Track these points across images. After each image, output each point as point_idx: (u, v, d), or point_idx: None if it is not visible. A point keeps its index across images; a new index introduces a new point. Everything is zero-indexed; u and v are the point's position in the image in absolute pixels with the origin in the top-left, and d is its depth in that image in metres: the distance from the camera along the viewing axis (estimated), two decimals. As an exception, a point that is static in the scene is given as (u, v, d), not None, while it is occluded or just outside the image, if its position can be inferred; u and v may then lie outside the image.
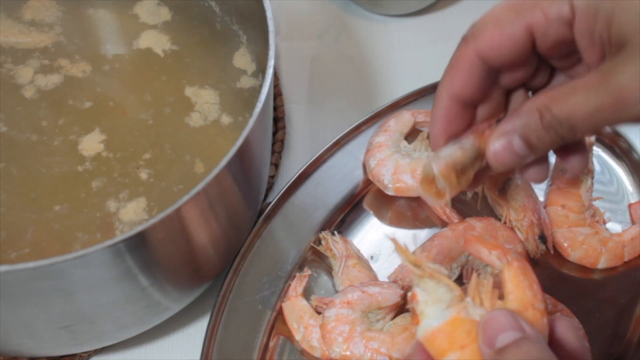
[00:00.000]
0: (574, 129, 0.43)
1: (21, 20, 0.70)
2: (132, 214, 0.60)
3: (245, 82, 0.66)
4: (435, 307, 0.40)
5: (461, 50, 0.48)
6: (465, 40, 0.48)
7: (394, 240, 0.42)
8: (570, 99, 0.43)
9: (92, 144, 0.63)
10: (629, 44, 0.41)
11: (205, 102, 0.65)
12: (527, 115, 0.45)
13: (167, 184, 0.61)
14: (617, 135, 0.71)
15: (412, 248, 0.66)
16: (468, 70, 0.48)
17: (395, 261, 0.66)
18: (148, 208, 0.60)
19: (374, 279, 0.64)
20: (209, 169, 0.60)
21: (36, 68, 0.67)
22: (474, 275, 0.43)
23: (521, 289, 0.41)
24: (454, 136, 0.50)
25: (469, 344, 0.39)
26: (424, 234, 0.68)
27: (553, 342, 0.42)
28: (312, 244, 0.67)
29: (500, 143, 0.46)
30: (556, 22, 0.45)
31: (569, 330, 0.42)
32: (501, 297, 0.42)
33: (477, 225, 0.65)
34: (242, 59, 0.68)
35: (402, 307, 0.62)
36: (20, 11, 0.70)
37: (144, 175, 0.61)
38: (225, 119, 0.64)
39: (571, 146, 0.50)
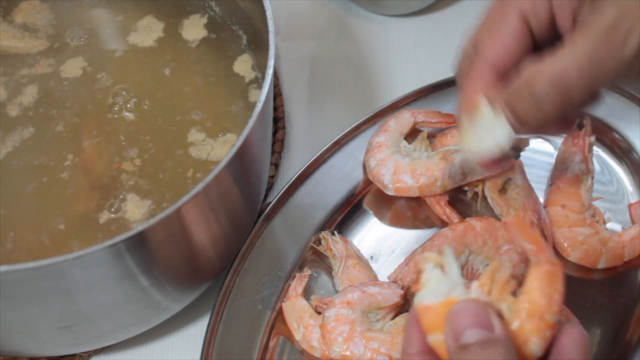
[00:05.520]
0: (571, 91, 0.42)
1: (14, 24, 0.69)
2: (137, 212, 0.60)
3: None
4: (438, 282, 0.39)
5: (472, 68, 0.48)
6: (467, 54, 0.48)
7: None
8: (559, 57, 0.42)
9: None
10: None
11: (210, 144, 0.64)
12: (515, 86, 0.45)
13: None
14: (617, 135, 0.71)
15: (412, 248, 0.66)
16: (484, 81, 0.47)
17: (395, 261, 0.66)
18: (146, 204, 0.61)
19: (374, 279, 0.64)
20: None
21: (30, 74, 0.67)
22: (495, 262, 0.41)
23: (538, 294, 0.40)
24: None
25: None
26: (424, 234, 0.68)
27: (555, 351, 0.40)
28: (312, 244, 0.67)
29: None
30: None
31: (576, 343, 0.40)
32: (514, 293, 0.40)
33: (477, 225, 0.65)
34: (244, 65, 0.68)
35: (402, 307, 0.62)
36: (12, 15, 0.70)
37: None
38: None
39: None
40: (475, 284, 0.40)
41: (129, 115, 0.65)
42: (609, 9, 0.41)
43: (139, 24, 0.70)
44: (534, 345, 0.39)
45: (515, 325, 0.39)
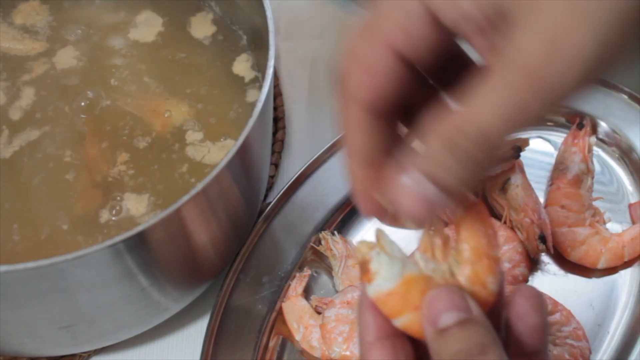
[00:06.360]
0: (492, 140, 0.33)
1: (14, 26, 0.69)
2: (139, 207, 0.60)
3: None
4: (389, 265, 0.38)
5: (343, 108, 0.38)
6: (338, 91, 0.38)
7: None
8: (473, 106, 0.33)
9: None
10: (513, 8, 0.33)
11: (208, 146, 0.64)
12: (429, 149, 0.35)
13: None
14: (617, 135, 0.71)
15: (412, 248, 0.66)
16: (364, 129, 0.38)
17: (395, 261, 0.66)
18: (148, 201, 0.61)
19: (374, 279, 0.64)
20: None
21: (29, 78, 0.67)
22: (426, 227, 0.40)
23: (476, 238, 0.39)
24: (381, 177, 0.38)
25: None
26: (424, 234, 0.68)
27: (511, 314, 0.40)
28: (312, 244, 0.67)
29: (404, 191, 0.36)
30: (419, 29, 0.36)
31: (532, 304, 0.39)
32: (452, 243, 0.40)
33: (477, 225, 0.65)
34: (242, 65, 0.68)
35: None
36: (12, 16, 0.70)
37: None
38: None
39: None
40: (417, 253, 0.39)
41: (128, 113, 0.65)
42: (533, 37, 0.32)
43: (138, 18, 0.70)
44: (492, 285, 0.39)
45: (468, 272, 0.39)
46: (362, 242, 0.39)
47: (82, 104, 0.65)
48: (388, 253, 0.39)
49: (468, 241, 0.39)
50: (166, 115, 0.65)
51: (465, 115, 0.34)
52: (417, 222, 0.38)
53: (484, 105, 0.33)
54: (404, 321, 0.38)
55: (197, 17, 0.70)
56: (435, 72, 0.39)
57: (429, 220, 0.38)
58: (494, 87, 0.33)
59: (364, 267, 0.39)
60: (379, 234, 0.39)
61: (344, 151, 0.39)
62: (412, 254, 0.39)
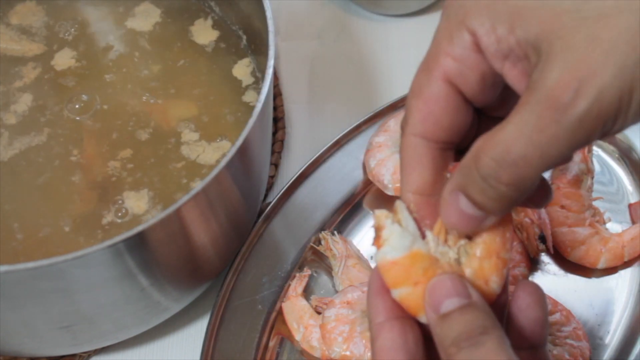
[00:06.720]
0: (518, 168, 0.35)
1: (11, 27, 0.69)
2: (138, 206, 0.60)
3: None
4: (400, 236, 0.39)
5: (403, 141, 0.40)
6: (402, 128, 0.40)
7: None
8: (503, 130, 0.35)
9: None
10: (543, 42, 0.35)
11: (202, 145, 0.64)
12: (463, 166, 0.37)
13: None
14: (617, 135, 0.71)
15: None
16: (419, 158, 0.40)
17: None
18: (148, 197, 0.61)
19: (374, 279, 0.64)
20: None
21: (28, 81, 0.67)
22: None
23: (493, 235, 0.40)
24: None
25: (423, 281, 0.39)
26: (424, 234, 0.68)
27: (514, 308, 0.41)
28: (312, 244, 0.67)
29: (446, 205, 0.38)
30: (466, 56, 0.37)
31: (533, 298, 0.40)
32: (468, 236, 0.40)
33: (477, 225, 0.65)
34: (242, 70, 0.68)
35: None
36: (8, 16, 0.70)
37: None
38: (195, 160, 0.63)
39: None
40: (430, 234, 0.40)
41: (126, 111, 0.65)
42: (555, 65, 0.34)
43: (137, 10, 0.70)
44: (494, 284, 0.40)
45: (475, 265, 0.39)
46: (382, 211, 0.40)
47: (77, 106, 0.65)
48: (402, 225, 0.40)
49: (484, 236, 0.40)
50: (163, 109, 0.65)
51: (492, 135, 0.36)
52: (462, 232, 0.39)
53: (509, 127, 0.35)
54: (402, 293, 0.39)
55: (196, 25, 0.70)
56: (489, 106, 0.41)
57: (472, 231, 0.39)
58: (522, 114, 0.35)
59: (377, 233, 0.40)
60: (398, 206, 0.40)
61: (400, 183, 0.42)
62: (425, 234, 0.40)
